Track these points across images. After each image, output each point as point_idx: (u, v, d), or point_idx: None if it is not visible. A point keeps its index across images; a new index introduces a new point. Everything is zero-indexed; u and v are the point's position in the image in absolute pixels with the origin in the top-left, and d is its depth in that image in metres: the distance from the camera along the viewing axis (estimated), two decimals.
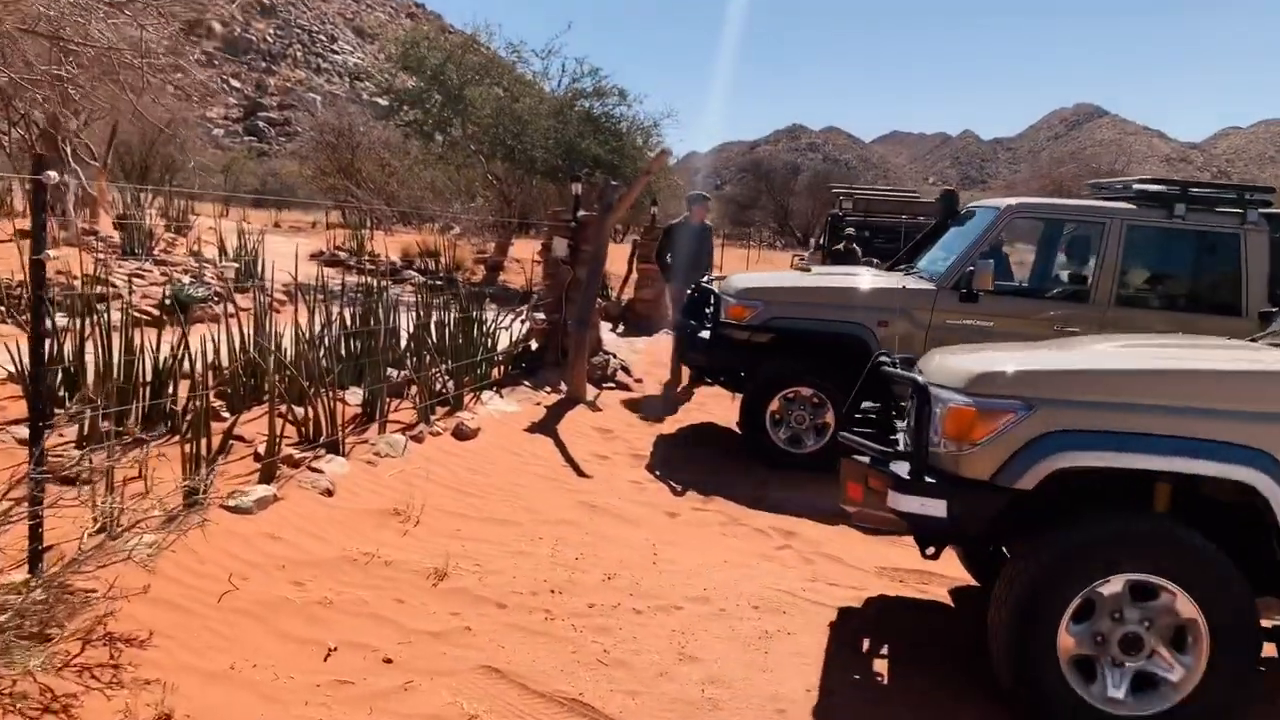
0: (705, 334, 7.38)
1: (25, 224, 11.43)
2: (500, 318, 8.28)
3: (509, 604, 3.92)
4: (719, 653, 3.73)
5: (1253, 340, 4.24)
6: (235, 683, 3.01)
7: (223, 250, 13.39)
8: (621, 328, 13.28)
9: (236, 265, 12.11)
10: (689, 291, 8.22)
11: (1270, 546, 3.23)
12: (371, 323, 6.94)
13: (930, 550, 4.12)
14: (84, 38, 9.04)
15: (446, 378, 7.03)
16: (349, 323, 6.92)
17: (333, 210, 27.46)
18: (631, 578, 4.41)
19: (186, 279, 10.45)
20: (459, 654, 3.45)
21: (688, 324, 7.64)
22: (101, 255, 11.40)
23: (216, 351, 6.12)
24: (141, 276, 10.56)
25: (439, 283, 11.93)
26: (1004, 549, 3.95)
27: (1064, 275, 7.33)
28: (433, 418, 6.47)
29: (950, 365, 3.69)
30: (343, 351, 6.74)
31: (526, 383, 8.24)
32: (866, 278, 7.46)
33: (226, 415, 5.59)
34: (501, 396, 7.60)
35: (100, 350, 5.19)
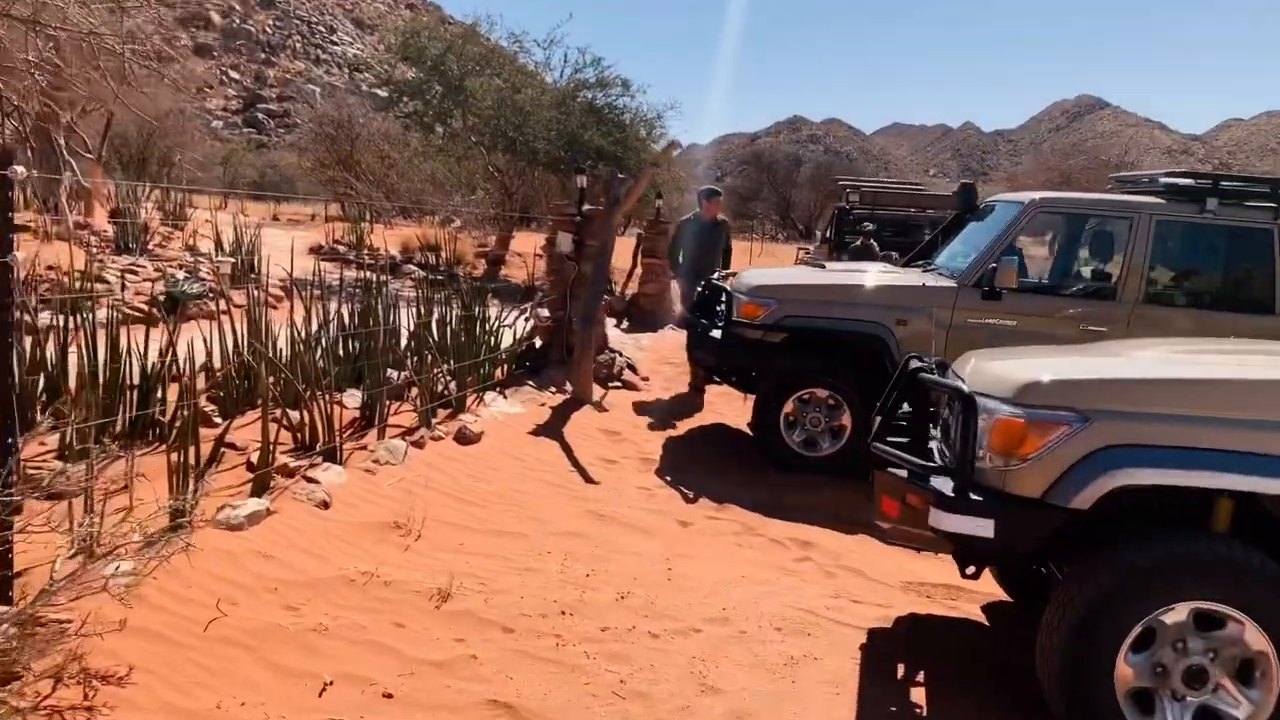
0: (716, 333, 7.11)
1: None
2: (504, 315, 8.00)
3: (517, 628, 3.66)
4: (743, 682, 3.47)
5: None
6: None
7: (219, 245, 13.11)
8: (625, 323, 13.02)
9: (232, 260, 11.83)
10: (699, 289, 7.94)
11: None
12: (371, 321, 6.68)
13: (970, 570, 3.89)
14: (61, 22, 8.73)
15: (448, 378, 6.77)
16: (347, 322, 6.66)
17: (332, 203, 27.19)
18: (646, 596, 4.15)
19: (181, 275, 10.17)
20: (464, 687, 3.19)
21: (698, 322, 7.37)
22: (94, 250, 11.13)
23: (209, 352, 5.88)
24: (135, 272, 10.29)
25: (439, 278, 11.67)
26: (1049, 568, 3.69)
27: (1089, 272, 7.06)
28: (434, 421, 6.21)
29: (995, 372, 3.42)
30: (340, 352, 6.49)
31: (530, 383, 7.98)
32: (884, 275, 7.19)
33: (219, 420, 5.34)
34: (505, 397, 7.34)
35: (85, 352, 4.93)
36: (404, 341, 6.95)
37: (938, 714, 3.45)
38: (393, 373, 6.62)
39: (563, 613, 3.85)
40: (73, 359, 4.99)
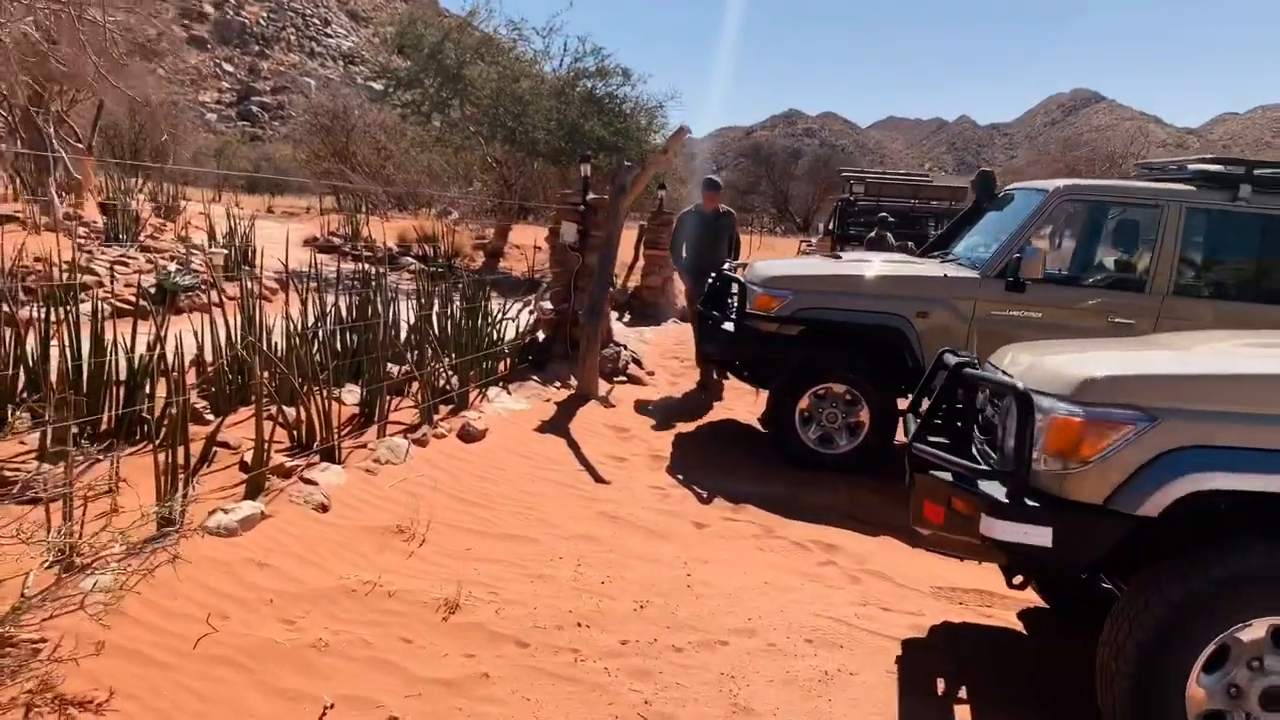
0: (729, 325, 6.85)
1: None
2: (507, 307, 7.74)
3: (531, 642, 3.41)
4: (776, 701, 3.22)
5: None
6: None
7: (212, 236, 12.83)
8: (628, 317, 12.77)
9: (226, 252, 11.54)
10: (710, 280, 7.67)
11: None
12: (369, 313, 6.41)
13: (1018, 580, 3.65)
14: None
15: (450, 373, 6.51)
16: (345, 314, 6.39)
17: (327, 195, 26.89)
18: (666, 605, 3.90)
19: (173, 266, 9.89)
20: (476, 709, 2.94)
21: (709, 314, 7.10)
22: (83, 241, 10.85)
23: (200, 346, 5.62)
24: (125, 264, 10.01)
25: (438, 270, 11.40)
26: (1101, 577, 3.45)
27: (1117, 263, 6.80)
28: (436, 417, 5.95)
29: (1048, 367, 3.16)
30: (338, 346, 6.23)
31: (535, 377, 7.72)
32: (904, 265, 6.93)
33: (211, 417, 5.08)
34: (509, 393, 7.07)
35: (69, 346, 4.67)
36: (404, 335, 6.69)
37: None
38: (392, 367, 6.37)
39: (579, 624, 3.60)
40: (57, 354, 4.72)
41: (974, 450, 3.49)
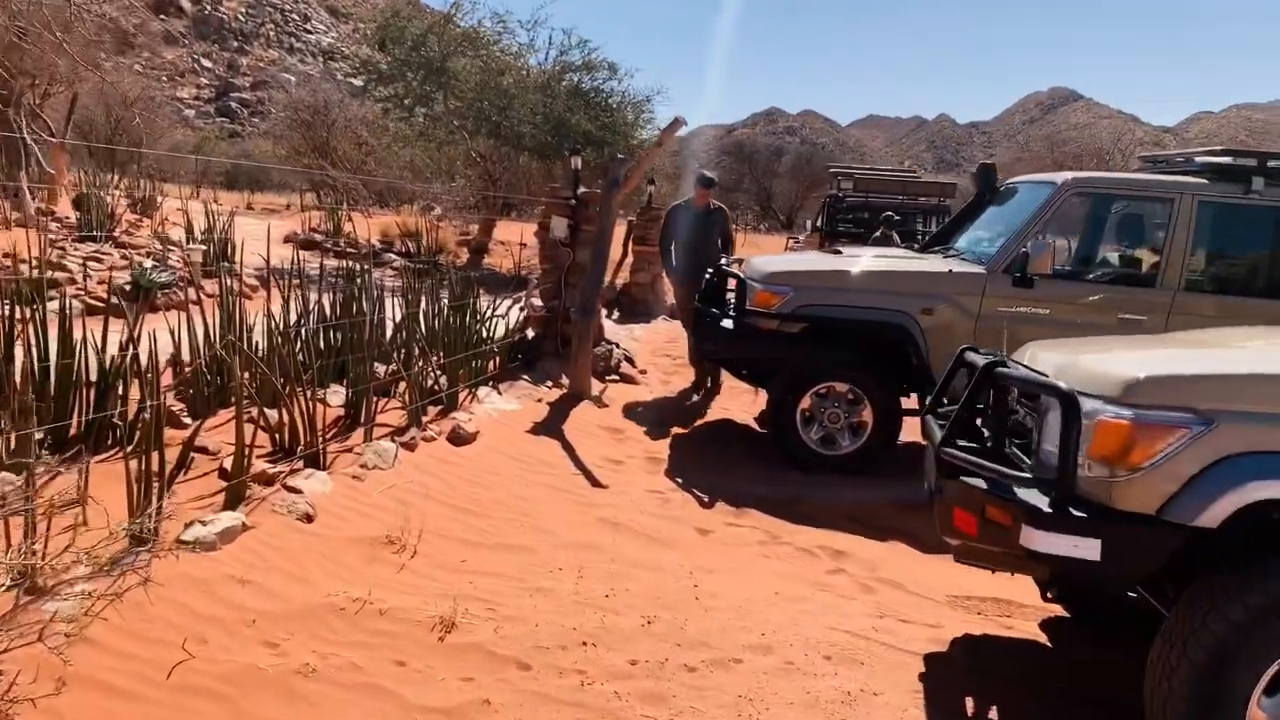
0: (728, 323, 6.62)
1: None
2: (496, 304, 7.48)
3: (534, 664, 3.17)
4: None
5: None
6: None
7: (190, 232, 12.49)
8: (617, 314, 12.53)
9: (204, 248, 11.22)
10: (707, 277, 7.44)
11: None
12: (354, 312, 6.15)
13: (1052, 594, 3.45)
14: None
15: (438, 373, 6.25)
16: (328, 312, 6.13)
17: (308, 191, 26.50)
18: (674, 620, 3.67)
19: (149, 263, 9.57)
20: None
21: (707, 311, 6.87)
22: (55, 237, 10.51)
23: (177, 345, 5.34)
24: (99, 260, 9.69)
25: (422, 266, 11.12)
26: (1139, 591, 3.24)
27: (1128, 257, 6.62)
28: (424, 419, 5.70)
29: (1089, 366, 2.96)
30: (321, 345, 5.96)
31: (525, 377, 7.47)
32: (907, 260, 6.73)
33: (188, 420, 4.81)
34: (500, 393, 6.82)
35: (36, 346, 4.38)
36: (389, 333, 6.43)
37: None
38: (379, 367, 6.11)
39: (584, 643, 3.36)
40: (22, 354, 4.43)
41: (1006, 455, 3.27)
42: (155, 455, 3.64)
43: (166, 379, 5.19)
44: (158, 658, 2.70)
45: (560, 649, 3.30)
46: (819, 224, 18.28)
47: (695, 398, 8.29)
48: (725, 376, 8.13)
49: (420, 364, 6.17)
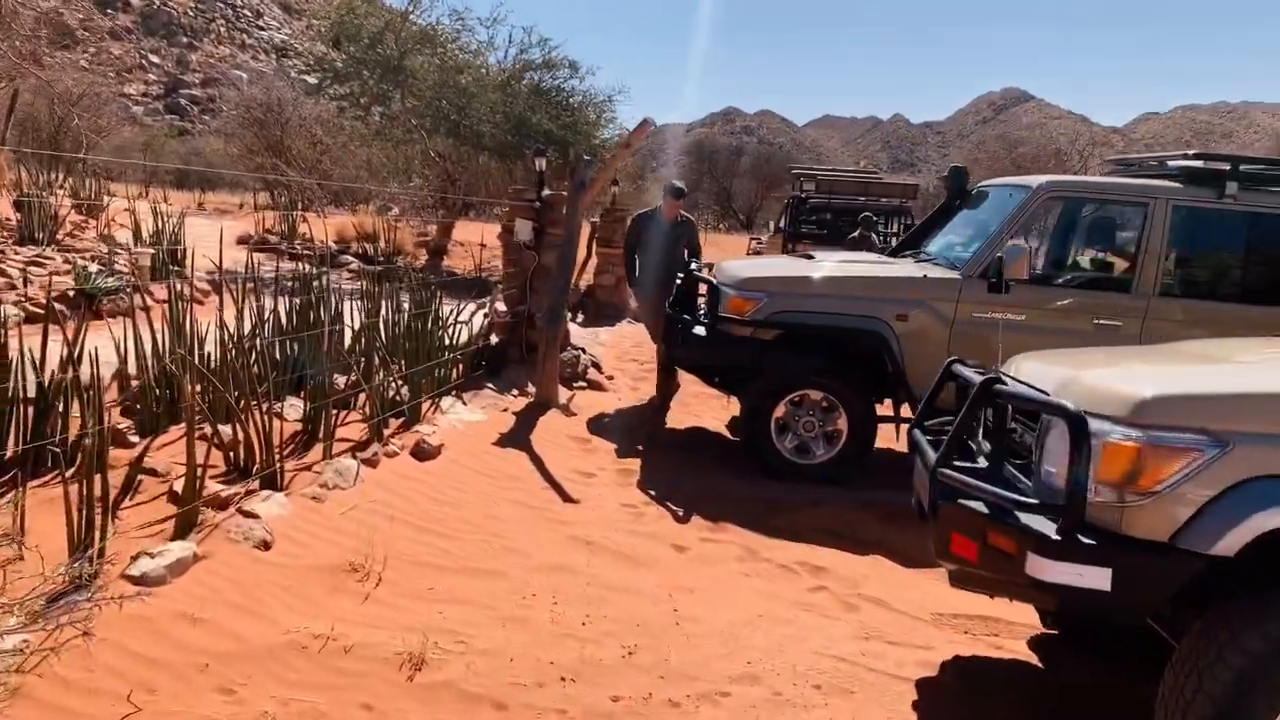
0: (700, 330, 6.46)
1: None
2: (460, 309, 7.24)
3: (510, 704, 2.98)
4: None
5: None
6: None
7: (138, 234, 12.07)
8: (581, 317, 12.33)
9: (152, 251, 10.82)
10: (678, 280, 7.26)
11: None
12: (312, 319, 5.90)
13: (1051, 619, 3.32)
14: None
15: (400, 383, 6.01)
16: (284, 320, 5.88)
17: (261, 191, 25.95)
18: (656, 649, 3.49)
19: (94, 267, 9.19)
20: None
21: (679, 318, 6.69)
22: None
23: (124, 357, 5.06)
24: (41, 264, 9.28)
25: (379, 268, 10.82)
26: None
27: (1104, 262, 6.57)
28: (386, 433, 5.47)
29: (1091, 383, 2.83)
30: (278, 355, 5.70)
31: (490, 385, 7.24)
32: (881, 265, 6.61)
33: (135, 439, 4.55)
34: (464, 403, 6.60)
35: None
36: (348, 341, 6.17)
37: None
38: (338, 378, 5.87)
39: (563, 679, 3.17)
40: None
41: (1004, 476, 3.14)
42: (101, 479, 3.41)
43: (112, 394, 4.92)
44: (100, 713, 2.47)
45: (538, 686, 3.10)
46: (782, 225, 18.21)
47: (664, 406, 8.07)
48: (696, 383, 7.94)
49: (381, 374, 5.94)
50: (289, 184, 21.63)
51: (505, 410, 6.81)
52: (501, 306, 8.14)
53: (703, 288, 6.84)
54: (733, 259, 8.36)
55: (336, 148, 21.83)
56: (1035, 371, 3.27)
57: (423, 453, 5.33)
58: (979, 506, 2.88)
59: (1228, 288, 6.15)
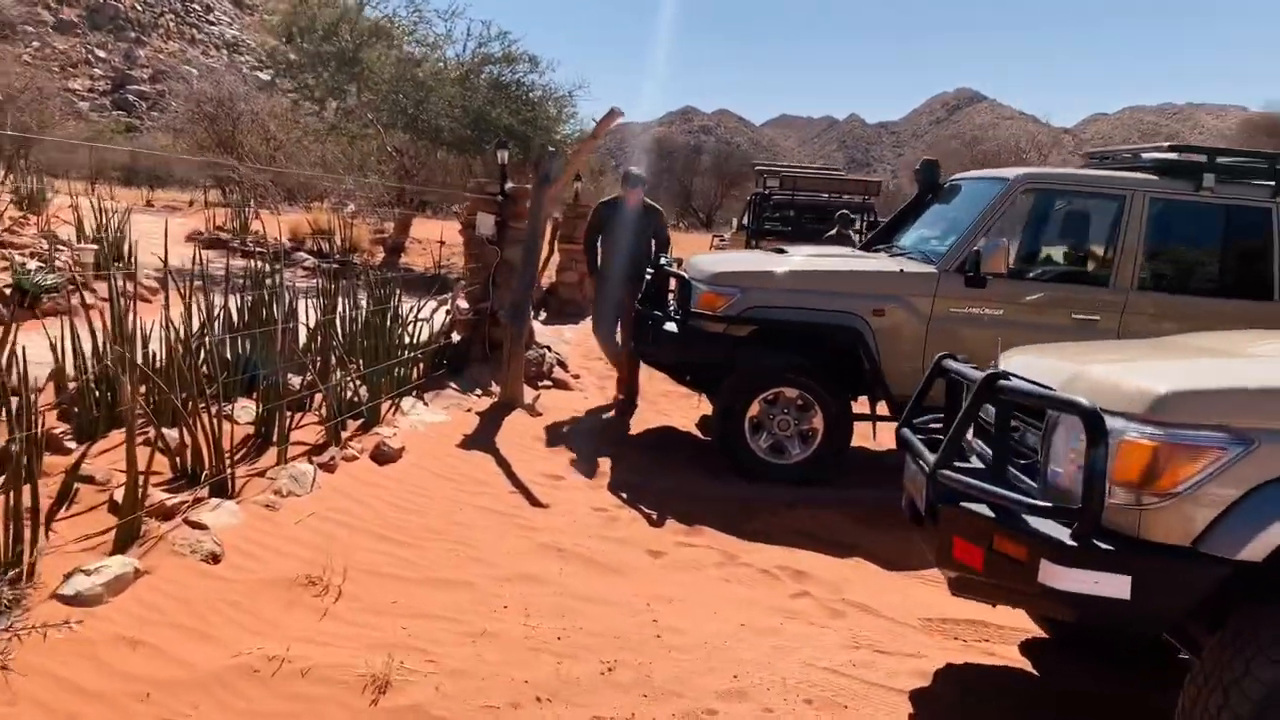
0: (671, 326, 6.26)
1: None
2: (421, 306, 6.96)
3: None
4: None
5: None
6: None
7: (80, 230, 11.60)
8: (544, 314, 12.08)
9: (96, 248, 10.39)
10: (648, 274, 7.05)
11: None
12: (264, 316, 5.61)
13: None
14: None
15: (358, 383, 5.74)
16: (235, 318, 5.58)
17: (213, 188, 25.33)
18: (637, 664, 3.28)
19: (33, 264, 8.78)
20: None
21: (649, 314, 6.48)
22: None
23: (61, 357, 4.75)
24: None
25: (335, 266, 10.49)
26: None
27: (1078, 256, 6.47)
28: (344, 435, 5.21)
29: (1101, 378, 2.66)
30: (228, 354, 5.41)
31: (453, 385, 6.99)
32: (857, 260, 6.46)
33: (72, 445, 4.25)
34: (425, 404, 6.34)
35: None
36: (303, 340, 5.88)
37: None
38: (293, 378, 5.59)
39: (539, 699, 2.95)
40: None
41: (1008, 477, 2.96)
42: (29, 489, 3.13)
43: (47, 396, 4.61)
44: None
45: (513, 708, 2.88)
46: (745, 222, 18.08)
47: (630, 405, 7.83)
48: (664, 381, 7.73)
49: (338, 374, 5.67)
50: (241, 180, 21.10)
51: (469, 411, 6.57)
52: (463, 303, 7.88)
53: (673, 282, 6.64)
54: (704, 254, 8.18)
55: (290, 143, 21.33)
56: (1030, 366, 3.10)
57: (383, 456, 5.08)
58: (984, 510, 2.71)
59: (1207, 282, 6.09)
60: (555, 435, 6.55)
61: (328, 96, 15.68)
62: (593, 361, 9.40)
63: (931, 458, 2.97)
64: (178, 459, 4.17)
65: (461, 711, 2.80)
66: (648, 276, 7.03)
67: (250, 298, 5.74)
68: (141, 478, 3.50)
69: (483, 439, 5.97)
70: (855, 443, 6.24)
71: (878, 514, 5.36)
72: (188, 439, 4.15)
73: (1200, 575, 2.36)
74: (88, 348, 4.60)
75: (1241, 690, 2.30)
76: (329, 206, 19.86)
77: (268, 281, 5.87)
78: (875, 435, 6.23)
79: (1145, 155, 6.30)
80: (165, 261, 5.44)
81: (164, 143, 36.85)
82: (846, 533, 5.23)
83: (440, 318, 7.54)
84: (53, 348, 4.68)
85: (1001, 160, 29.53)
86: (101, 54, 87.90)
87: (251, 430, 4.86)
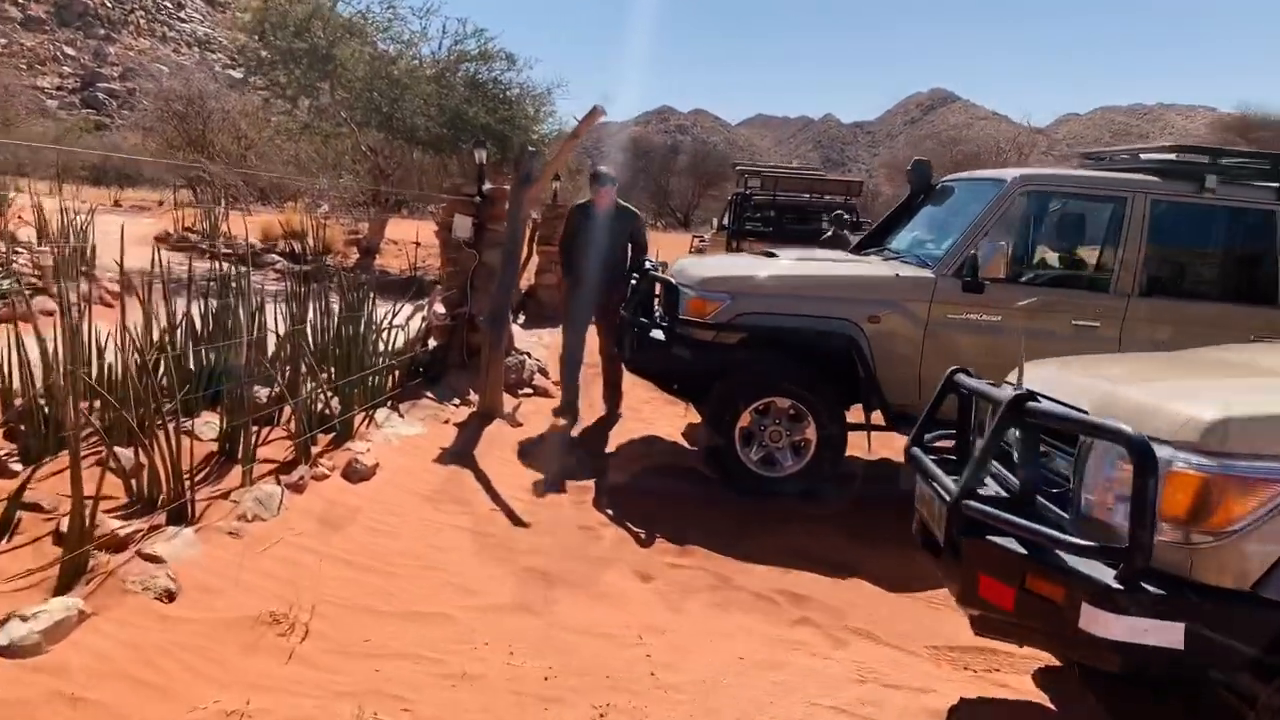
0: (658, 334, 6.01)
1: None
2: (396, 310, 6.67)
3: None
4: None
5: None
6: None
7: (42, 232, 11.22)
8: (523, 318, 11.79)
9: (53, 250, 10.00)
10: (633, 279, 6.78)
11: None
12: (230, 324, 5.31)
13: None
14: None
15: (329, 395, 5.45)
16: (199, 326, 5.28)
17: (183, 188, 24.85)
18: (631, 709, 3.03)
19: None
20: None
21: (636, 321, 6.21)
22: None
23: (8, 371, 4.43)
24: None
25: (307, 268, 10.17)
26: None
27: (1078, 260, 6.27)
28: (314, 451, 4.92)
29: (1144, 401, 2.44)
30: (191, 365, 5.11)
31: (429, 394, 6.70)
32: (850, 265, 6.23)
33: (18, 467, 3.93)
34: (401, 415, 6.05)
35: None
36: (271, 349, 5.58)
37: None
38: (260, 390, 5.29)
39: None
40: None
41: (1037, 508, 2.73)
42: None
43: None
44: None
45: None
46: (725, 222, 17.86)
47: (613, 414, 7.56)
48: (649, 389, 7.47)
49: (309, 385, 5.38)
50: (212, 179, 20.66)
51: (446, 421, 6.29)
52: (440, 308, 7.59)
53: (659, 288, 6.39)
54: (687, 257, 7.93)
55: (262, 142, 20.91)
56: (1055, 384, 2.88)
57: (355, 474, 4.79)
58: (1014, 545, 2.48)
59: (1204, 286, 5.90)
60: (537, 447, 6.28)
61: (300, 94, 15.30)
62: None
63: (950, 483, 2.74)
64: (133, 481, 3.87)
65: None
66: (632, 282, 6.74)
67: (215, 303, 5.44)
68: (91, 504, 3.21)
69: (461, 453, 5.70)
70: (849, 453, 6.01)
71: (874, 530, 5.15)
72: (144, 459, 3.86)
73: (1264, 624, 2.13)
74: (36, 358, 4.29)
75: None
76: (302, 207, 19.49)
77: (234, 286, 5.56)
78: (870, 446, 6.01)
79: (1144, 156, 6.11)
80: (121, 266, 5.13)
81: (133, 141, 36.23)
82: (843, 551, 5.00)
83: (415, 324, 7.25)
84: (1, 358, 4.36)
85: (982, 161, 29.47)
86: (70, 51, 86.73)
87: (215, 448, 4.56)
